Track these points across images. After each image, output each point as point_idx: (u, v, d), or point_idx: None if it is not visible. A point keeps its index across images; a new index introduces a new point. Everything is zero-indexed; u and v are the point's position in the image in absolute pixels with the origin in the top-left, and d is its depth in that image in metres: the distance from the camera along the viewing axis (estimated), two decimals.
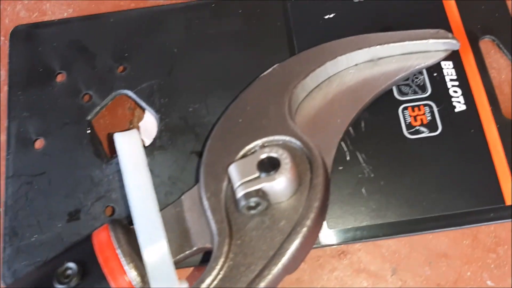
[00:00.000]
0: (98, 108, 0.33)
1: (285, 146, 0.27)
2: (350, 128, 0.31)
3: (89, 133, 0.32)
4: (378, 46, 0.31)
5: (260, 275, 0.24)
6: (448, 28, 0.33)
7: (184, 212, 0.28)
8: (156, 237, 0.26)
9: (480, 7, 0.34)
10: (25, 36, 0.35)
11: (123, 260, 0.25)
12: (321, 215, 0.26)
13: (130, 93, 0.33)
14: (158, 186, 0.30)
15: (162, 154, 0.31)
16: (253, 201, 0.25)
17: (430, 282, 0.30)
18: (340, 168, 0.30)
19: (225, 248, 0.25)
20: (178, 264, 0.27)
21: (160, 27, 0.34)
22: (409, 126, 0.31)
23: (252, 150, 0.28)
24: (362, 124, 0.31)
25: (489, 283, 0.29)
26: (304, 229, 0.25)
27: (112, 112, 0.34)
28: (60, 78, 0.33)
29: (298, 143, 0.27)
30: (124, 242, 0.25)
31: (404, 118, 0.31)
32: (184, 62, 0.34)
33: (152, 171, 0.31)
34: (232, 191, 0.26)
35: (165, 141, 0.32)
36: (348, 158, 0.31)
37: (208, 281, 0.24)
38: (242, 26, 0.34)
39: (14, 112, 0.33)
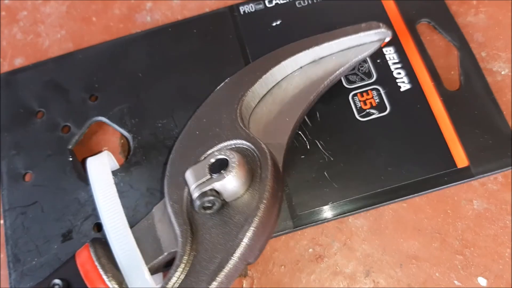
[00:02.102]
0: (77, 137, 0.35)
1: (237, 149, 0.30)
2: (307, 120, 0.34)
3: (71, 160, 0.35)
4: (316, 47, 0.33)
5: (220, 266, 0.26)
6: (386, 17, 0.36)
7: (155, 223, 0.30)
8: (128, 247, 0.28)
9: None
10: (5, 83, 0.38)
11: (101, 272, 0.27)
12: (273, 205, 0.28)
13: (103, 119, 0.36)
14: (138, 198, 0.33)
15: (138, 169, 0.34)
16: (207, 200, 0.27)
17: (401, 283, 0.31)
18: (302, 157, 0.33)
19: (188, 247, 0.27)
20: (154, 270, 0.29)
21: (124, 56, 0.38)
22: (360, 110, 0.34)
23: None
24: (318, 115, 0.34)
25: (456, 283, 0.31)
26: (256, 219, 0.27)
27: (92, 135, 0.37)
28: (40, 115, 0.36)
29: (248, 143, 0.29)
30: (101, 256, 0.28)
31: (355, 104, 0.34)
32: (150, 84, 0.36)
33: (131, 185, 0.34)
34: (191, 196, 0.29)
35: (139, 157, 0.34)
36: (308, 147, 0.33)
37: (174, 278, 0.27)
38: (198, 44, 0.37)
39: (3, 152, 0.36)
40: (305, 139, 0.33)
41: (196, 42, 0.38)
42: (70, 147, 0.35)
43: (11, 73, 0.38)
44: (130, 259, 0.28)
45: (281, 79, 0.34)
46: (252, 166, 0.29)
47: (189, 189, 0.29)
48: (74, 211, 0.33)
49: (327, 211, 0.32)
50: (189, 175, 0.29)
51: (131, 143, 0.35)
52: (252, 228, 0.26)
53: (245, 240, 0.26)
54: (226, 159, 0.28)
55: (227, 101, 0.32)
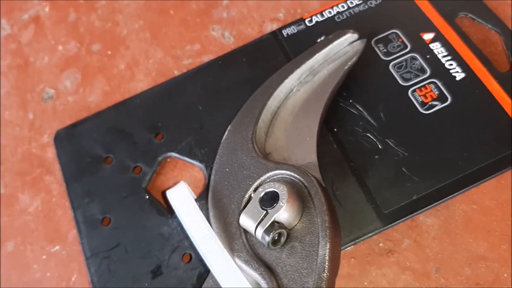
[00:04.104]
0: (150, 175, 0.36)
1: (276, 179, 0.30)
2: (372, 121, 0.35)
3: (147, 198, 0.35)
4: (304, 64, 0.35)
5: (317, 286, 0.26)
6: (424, 16, 0.38)
7: None
8: (229, 269, 0.29)
9: None
10: (67, 136, 0.38)
11: None
12: (334, 214, 0.29)
13: (173, 154, 0.36)
14: None
15: None
16: (275, 233, 0.27)
17: (470, 282, 0.31)
18: (376, 157, 0.34)
19: (275, 285, 0.27)
20: None
21: (180, 93, 0.39)
22: (422, 104, 0.35)
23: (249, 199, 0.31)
24: (382, 115, 0.35)
25: None
26: (328, 231, 0.27)
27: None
28: (108, 161, 0.37)
29: (285, 172, 0.30)
30: None
31: (416, 99, 0.35)
32: (210, 115, 0.37)
33: None
34: (251, 238, 0.29)
35: None
36: (380, 146, 0.34)
37: None
38: (249, 70, 0.39)
39: (75, 201, 0.36)
40: (374, 140, 0.34)
41: (247, 69, 0.39)
42: (144, 185, 0.36)
43: (71, 126, 0.39)
44: (234, 280, 0.28)
45: (283, 100, 0.36)
46: (297, 188, 0.29)
47: (245, 235, 0.29)
48: (159, 246, 0.33)
49: (414, 204, 0.32)
50: (244, 219, 0.29)
51: (204, 172, 0.35)
52: (329, 240, 0.27)
53: (328, 253, 0.26)
54: (274, 190, 0.28)
55: (240, 144, 0.33)
